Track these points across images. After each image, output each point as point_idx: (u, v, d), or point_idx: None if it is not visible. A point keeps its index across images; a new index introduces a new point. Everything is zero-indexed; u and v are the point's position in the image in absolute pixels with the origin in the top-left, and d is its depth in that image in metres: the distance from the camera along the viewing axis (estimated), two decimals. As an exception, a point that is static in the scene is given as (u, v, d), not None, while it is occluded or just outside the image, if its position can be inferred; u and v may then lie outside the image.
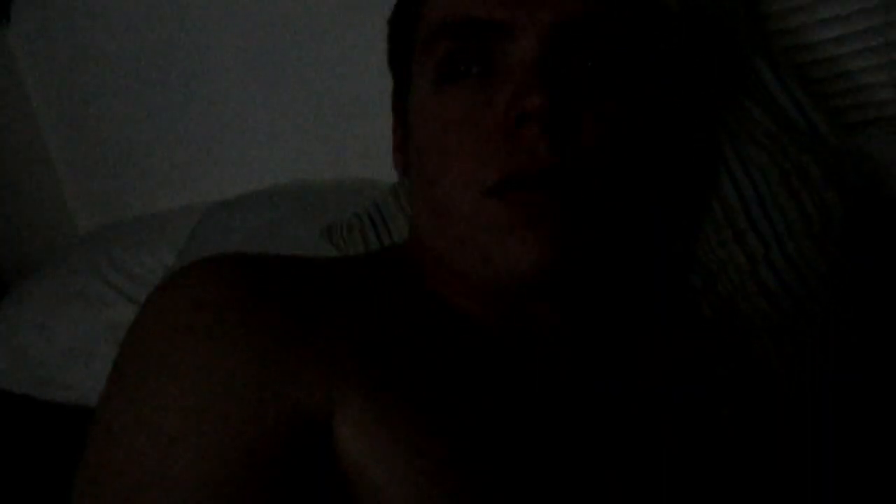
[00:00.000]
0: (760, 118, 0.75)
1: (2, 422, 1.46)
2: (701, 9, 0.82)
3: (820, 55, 0.96)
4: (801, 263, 0.68)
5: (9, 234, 1.85)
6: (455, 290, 0.57)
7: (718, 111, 0.75)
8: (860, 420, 0.64)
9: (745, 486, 0.58)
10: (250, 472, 0.41)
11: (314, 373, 0.44)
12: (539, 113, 0.48)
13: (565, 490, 0.50)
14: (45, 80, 1.91)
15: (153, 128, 1.72)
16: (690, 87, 0.76)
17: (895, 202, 0.77)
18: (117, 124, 1.79)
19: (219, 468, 0.40)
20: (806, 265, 0.68)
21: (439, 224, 0.55)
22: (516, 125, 0.49)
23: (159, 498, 0.40)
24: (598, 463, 0.52)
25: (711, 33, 0.80)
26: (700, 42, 0.80)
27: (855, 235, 0.69)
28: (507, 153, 0.50)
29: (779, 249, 0.69)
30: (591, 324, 0.59)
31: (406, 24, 0.59)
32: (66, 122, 1.91)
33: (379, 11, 1.28)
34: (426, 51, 0.55)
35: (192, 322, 0.44)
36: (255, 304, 0.45)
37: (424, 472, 0.44)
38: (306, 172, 1.48)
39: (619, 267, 0.64)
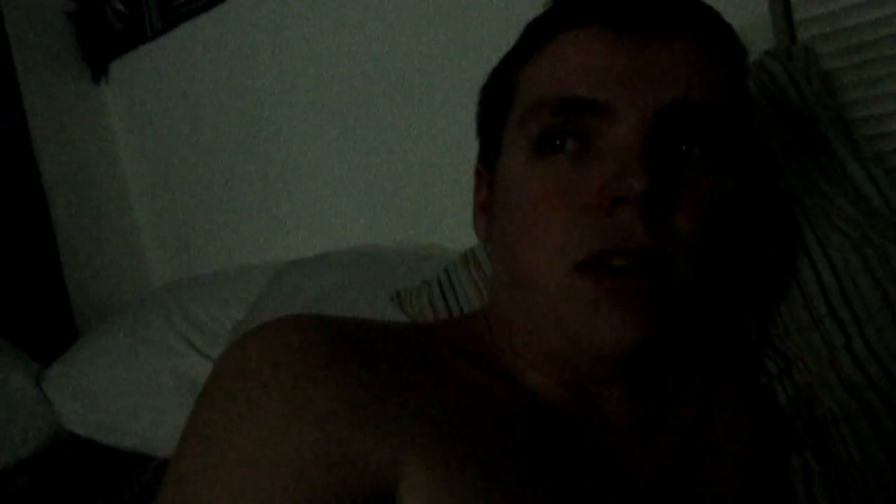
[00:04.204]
0: (841, 203, 0.74)
1: (67, 464, 1.49)
2: (780, 94, 0.82)
3: (902, 144, 0.94)
4: (885, 354, 0.65)
5: (86, 280, 1.92)
6: (526, 362, 0.56)
7: (798, 195, 0.74)
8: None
9: None
10: None
11: (383, 440, 0.44)
12: (638, 197, 0.48)
13: None
14: (134, 136, 2.01)
15: (233, 188, 1.78)
16: (772, 172, 0.75)
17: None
18: (199, 182, 1.86)
19: None
20: (890, 356, 0.65)
21: (523, 295, 0.55)
22: (611, 206, 0.49)
23: None
24: None
25: (791, 117, 0.80)
26: (779, 126, 0.79)
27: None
28: (601, 233, 0.50)
29: (861, 338, 0.67)
30: (655, 399, 0.58)
31: (501, 94, 0.60)
32: (150, 177, 2.00)
33: (454, 82, 1.33)
34: (523, 123, 0.55)
35: (269, 381, 0.45)
36: (331, 367, 0.46)
37: None
38: (378, 237, 1.50)
39: (692, 347, 0.63)
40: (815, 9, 0.97)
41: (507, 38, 0.63)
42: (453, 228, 1.11)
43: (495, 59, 0.64)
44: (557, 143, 0.53)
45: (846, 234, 0.71)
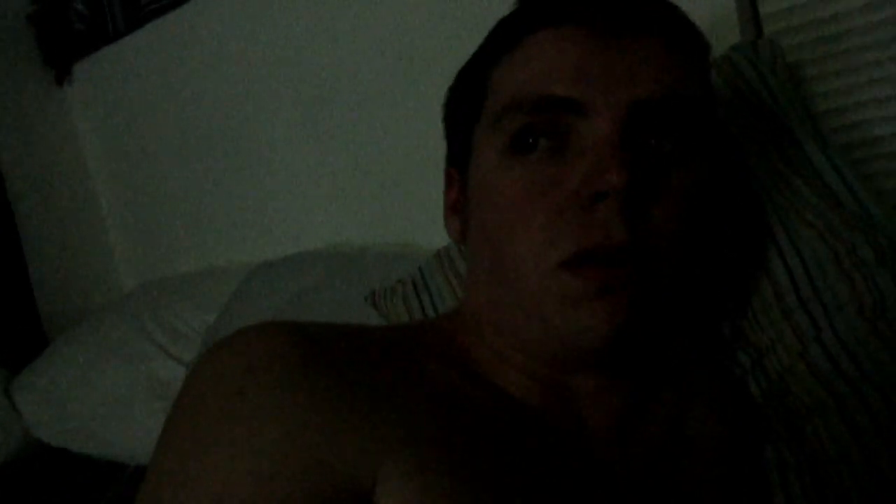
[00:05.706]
0: (809, 197, 0.75)
1: (38, 474, 1.47)
2: (747, 87, 0.82)
3: (868, 135, 0.95)
4: (854, 344, 0.66)
5: (55, 285, 1.89)
6: (502, 362, 0.57)
7: (766, 188, 0.75)
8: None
9: None
10: None
11: (360, 444, 0.44)
12: (617, 191, 0.49)
13: None
14: (100, 139, 1.98)
15: (201, 188, 1.77)
16: (740, 166, 0.76)
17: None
18: (167, 184, 1.84)
19: None
20: (859, 346, 0.66)
21: (505, 292, 0.55)
22: (591, 202, 0.50)
23: None
24: None
25: (758, 110, 0.81)
26: (747, 119, 0.80)
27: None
28: (581, 229, 0.50)
29: (830, 329, 0.68)
30: (633, 396, 0.58)
31: (471, 93, 0.60)
32: (118, 180, 1.98)
33: (425, 81, 1.32)
34: (498, 122, 0.56)
35: (244, 387, 0.45)
36: (305, 373, 0.46)
37: None
38: (351, 236, 1.50)
39: (666, 341, 0.64)
40: (780, 3, 0.98)
41: (475, 38, 0.63)
42: (427, 226, 1.10)
43: (465, 58, 0.64)
44: (530, 141, 0.53)
45: (814, 227, 0.72)
